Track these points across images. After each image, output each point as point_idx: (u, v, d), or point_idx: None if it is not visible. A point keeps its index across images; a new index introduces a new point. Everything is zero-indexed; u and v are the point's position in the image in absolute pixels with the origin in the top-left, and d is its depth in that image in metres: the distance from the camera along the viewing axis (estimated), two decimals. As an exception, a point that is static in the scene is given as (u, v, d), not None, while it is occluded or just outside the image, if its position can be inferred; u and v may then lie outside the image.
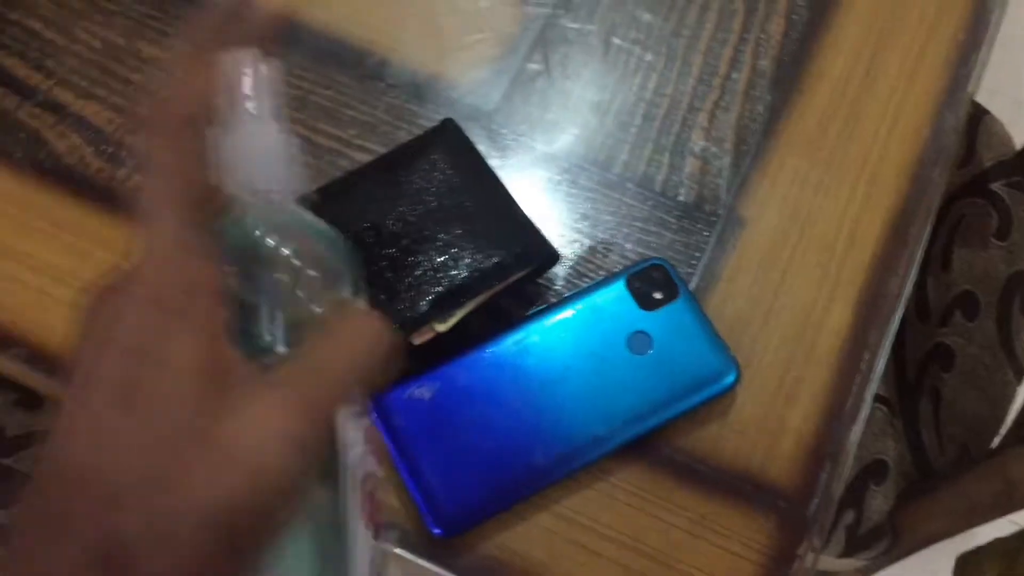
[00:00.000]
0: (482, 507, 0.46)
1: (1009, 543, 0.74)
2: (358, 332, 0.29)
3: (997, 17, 0.61)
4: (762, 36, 0.60)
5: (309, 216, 0.30)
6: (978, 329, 0.83)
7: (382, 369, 0.29)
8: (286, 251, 0.30)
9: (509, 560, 0.47)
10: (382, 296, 0.48)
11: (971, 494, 0.73)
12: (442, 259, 0.49)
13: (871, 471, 0.82)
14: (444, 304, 0.48)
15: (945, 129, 0.57)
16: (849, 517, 0.82)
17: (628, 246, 0.54)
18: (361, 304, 0.31)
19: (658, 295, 0.51)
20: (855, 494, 0.83)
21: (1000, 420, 0.82)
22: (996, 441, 0.80)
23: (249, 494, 0.26)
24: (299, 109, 0.56)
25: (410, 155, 0.52)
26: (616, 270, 0.53)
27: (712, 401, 0.50)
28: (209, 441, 0.26)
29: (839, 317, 0.52)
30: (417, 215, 0.50)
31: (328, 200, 0.51)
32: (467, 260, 0.49)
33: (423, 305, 0.48)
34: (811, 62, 0.59)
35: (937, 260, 0.85)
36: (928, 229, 0.55)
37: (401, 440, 0.47)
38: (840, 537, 0.82)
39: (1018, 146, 0.89)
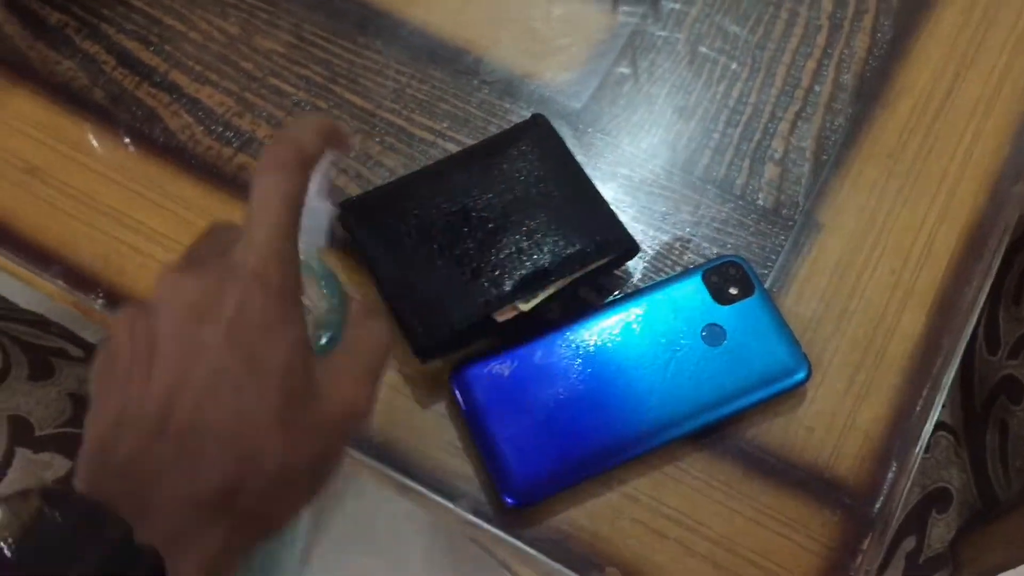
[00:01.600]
0: (552, 481, 0.48)
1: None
2: (372, 327, 0.39)
3: (1082, 42, 0.61)
4: (846, 51, 0.62)
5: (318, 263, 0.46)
6: (1049, 363, 0.83)
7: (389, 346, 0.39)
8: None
9: (575, 534, 0.48)
10: (469, 275, 0.51)
11: (1036, 524, 0.73)
12: (527, 243, 0.51)
13: (934, 498, 0.82)
14: (528, 285, 0.50)
15: (1026, 148, 0.58)
16: (910, 544, 0.82)
17: (705, 245, 0.56)
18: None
19: (734, 291, 0.53)
20: (917, 521, 0.82)
21: (1069, 456, 0.81)
22: (1064, 476, 0.79)
23: (343, 448, 0.37)
24: (396, 100, 0.59)
25: (501, 145, 0.55)
26: (692, 266, 0.55)
27: (782, 396, 0.51)
28: (314, 409, 0.34)
29: (911, 323, 0.53)
30: (505, 201, 0.53)
31: (422, 184, 0.54)
32: (551, 246, 0.51)
33: (508, 285, 0.50)
34: (894, 78, 0.61)
35: (1010, 293, 0.85)
36: (1004, 245, 0.56)
37: (478, 412, 0.49)
38: (899, 564, 0.81)
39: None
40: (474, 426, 0.49)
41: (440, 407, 0.51)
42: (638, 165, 0.58)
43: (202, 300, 0.33)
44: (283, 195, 0.35)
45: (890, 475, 0.50)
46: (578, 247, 0.52)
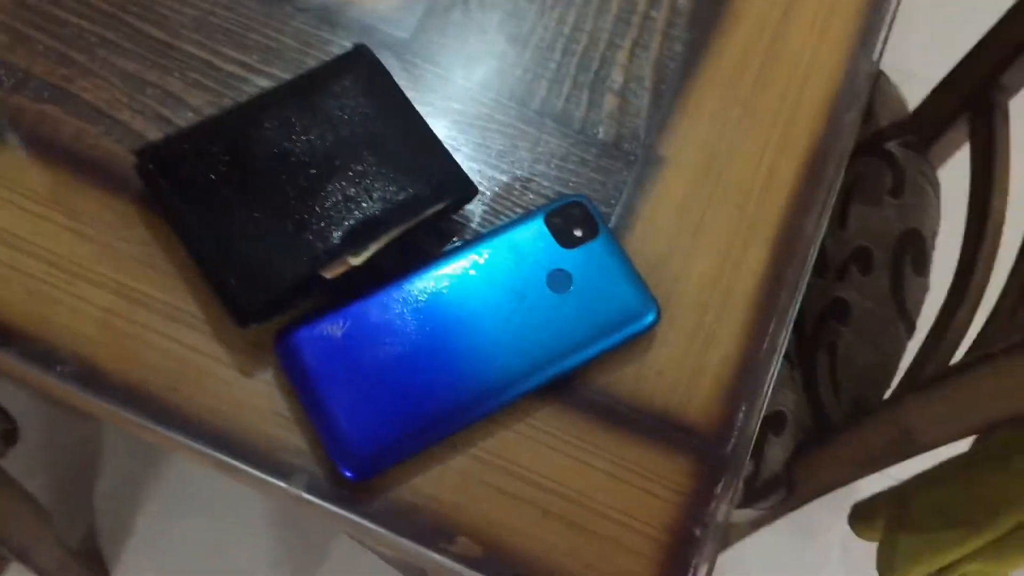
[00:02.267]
0: (395, 448, 0.44)
1: (902, 488, 0.76)
2: None
3: (909, -34, 0.61)
4: (681, -25, 0.59)
5: None
6: (872, 284, 0.85)
7: None
8: None
9: (423, 504, 0.45)
10: (291, 228, 0.45)
11: (867, 443, 0.75)
12: (355, 190, 0.47)
13: (770, 422, 0.83)
14: (358, 237, 0.46)
15: (859, 73, 0.57)
16: (748, 468, 0.84)
17: (546, 184, 0.53)
18: None
19: (578, 233, 0.50)
20: (754, 446, 0.84)
21: (891, 373, 0.84)
22: (888, 393, 0.82)
23: None
24: (198, 30, 0.53)
25: (320, 80, 0.49)
26: (534, 208, 0.52)
27: (632, 341, 0.49)
28: None
29: (756, 258, 0.52)
30: (328, 143, 0.48)
31: (233, 125, 0.47)
32: (382, 191, 0.47)
33: (336, 237, 0.45)
34: (730, 1, 0.59)
35: (835, 216, 0.87)
36: (841, 174, 0.55)
37: (309, 379, 0.44)
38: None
39: (911, 108, 0.92)
40: (305, 394, 0.44)
41: (267, 376, 0.46)
42: (471, 99, 0.54)
43: None
44: None
45: (740, 415, 0.49)
46: (412, 192, 0.47)
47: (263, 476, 0.44)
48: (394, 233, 0.46)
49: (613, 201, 0.53)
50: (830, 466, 0.80)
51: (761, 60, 0.57)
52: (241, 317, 0.44)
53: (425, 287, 0.47)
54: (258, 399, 0.45)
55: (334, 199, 0.46)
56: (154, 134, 0.50)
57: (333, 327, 0.45)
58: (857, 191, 0.88)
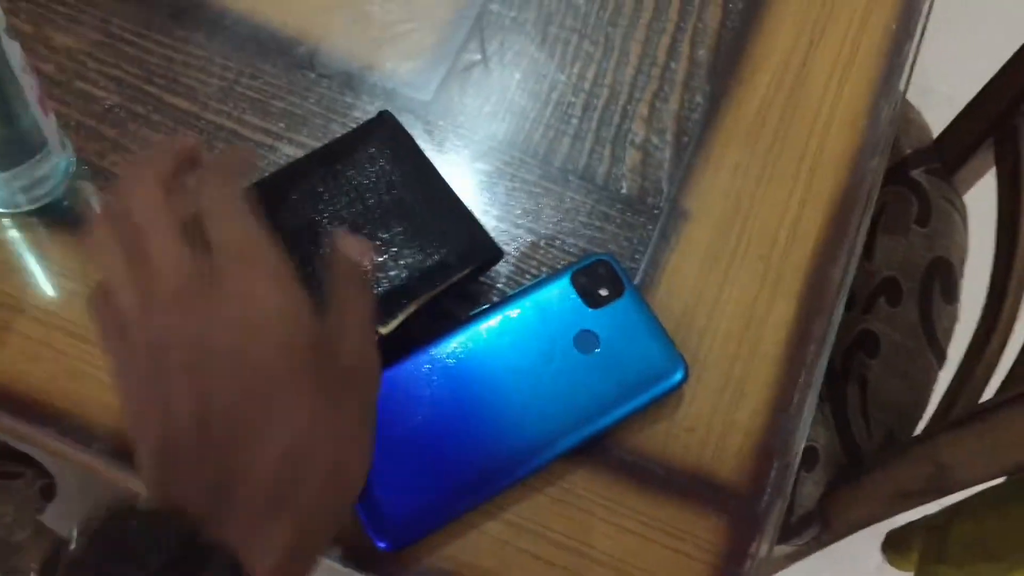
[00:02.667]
0: (429, 518, 0.44)
1: (935, 519, 0.75)
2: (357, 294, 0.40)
3: (928, 6, 0.61)
4: (699, 25, 0.59)
5: None
6: (901, 315, 0.85)
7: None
8: None
9: (458, 572, 0.45)
10: (319, 299, 0.46)
11: (901, 479, 0.74)
12: (382, 259, 0.47)
13: (802, 458, 0.83)
14: (385, 306, 0.46)
15: (881, 119, 0.57)
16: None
17: (571, 241, 0.53)
18: None
19: (604, 292, 0.50)
20: (786, 481, 0.83)
21: (923, 405, 0.83)
22: (920, 426, 0.81)
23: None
24: (223, 100, 0.53)
25: (346, 149, 0.50)
26: (560, 266, 0.52)
27: (661, 399, 0.49)
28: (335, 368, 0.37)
29: (783, 310, 0.52)
30: (355, 212, 0.48)
31: (262, 196, 0.48)
32: (408, 259, 0.47)
33: None
34: (748, 52, 0.59)
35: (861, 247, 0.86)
36: (867, 222, 0.55)
37: (343, 449, 0.45)
38: (772, 524, 0.82)
39: (935, 135, 0.91)
40: (339, 466, 0.45)
41: (299, 446, 0.46)
42: (495, 159, 0.54)
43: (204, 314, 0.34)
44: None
45: (772, 471, 0.49)
46: (438, 258, 0.48)
47: (299, 547, 0.45)
48: (421, 300, 0.47)
49: (638, 256, 0.53)
50: (864, 502, 0.79)
51: (782, 109, 0.57)
52: None
53: (454, 353, 0.47)
54: (292, 470, 0.46)
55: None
56: (184, 206, 0.51)
57: (364, 398, 0.46)
58: (883, 221, 0.88)
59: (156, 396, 0.34)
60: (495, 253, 0.49)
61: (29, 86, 0.44)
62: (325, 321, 0.37)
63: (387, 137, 0.50)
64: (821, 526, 0.83)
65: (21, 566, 0.81)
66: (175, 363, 0.34)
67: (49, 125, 0.47)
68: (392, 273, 0.47)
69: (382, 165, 0.49)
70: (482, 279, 0.51)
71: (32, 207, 0.50)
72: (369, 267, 0.40)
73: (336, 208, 0.48)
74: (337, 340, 0.37)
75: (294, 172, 0.49)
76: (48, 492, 0.79)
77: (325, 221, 0.48)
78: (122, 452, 0.46)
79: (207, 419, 0.33)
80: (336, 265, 0.39)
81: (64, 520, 0.89)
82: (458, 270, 0.48)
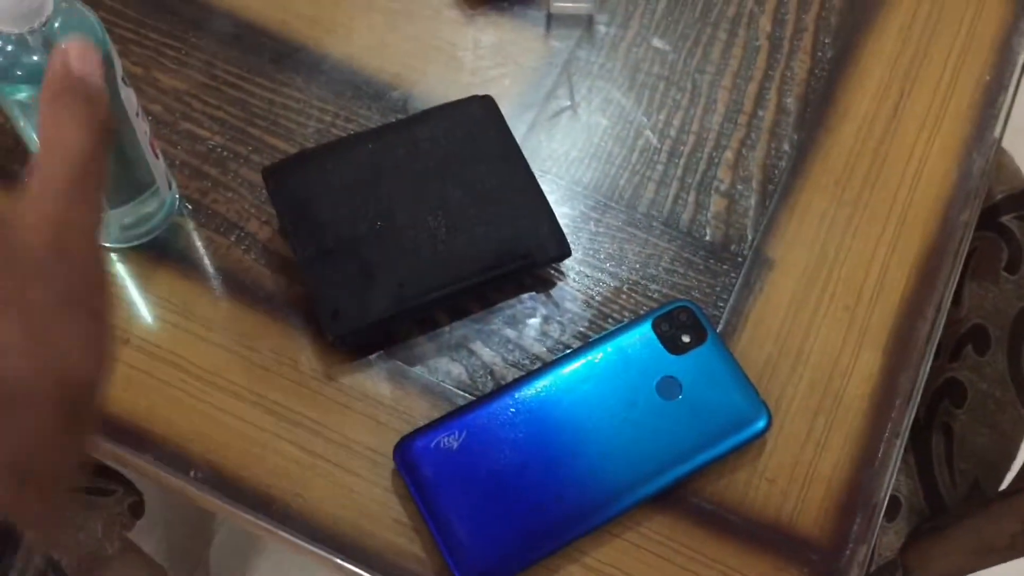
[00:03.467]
0: (512, 560, 0.45)
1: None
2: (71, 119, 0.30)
3: (1023, 59, 0.60)
4: (787, 73, 0.59)
5: None
6: (989, 364, 0.83)
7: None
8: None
9: (537, 612, 0.46)
10: (392, 252, 0.50)
11: (985, 534, 0.72)
12: (457, 227, 0.50)
13: (883, 507, 0.81)
14: (449, 276, 0.50)
15: (973, 172, 0.57)
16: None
17: (654, 287, 0.53)
18: None
19: (686, 338, 0.50)
20: (866, 530, 0.82)
21: (1012, 456, 0.81)
22: (1008, 477, 0.79)
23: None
24: (320, 141, 0.55)
25: (441, 117, 0.53)
26: (642, 311, 0.52)
27: (742, 448, 0.49)
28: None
29: (868, 362, 0.52)
30: (431, 175, 0.51)
31: (352, 152, 0.52)
32: (478, 234, 0.50)
33: (428, 270, 0.50)
34: (837, 101, 0.59)
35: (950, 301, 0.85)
36: (956, 276, 0.55)
37: (427, 490, 0.46)
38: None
39: (1029, 177, 0.89)
40: (423, 503, 0.46)
41: (386, 483, 0.48)
42: (580, 203, 0.55)
43: None
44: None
45: (855, 526, 0.48)
46: (508, 240, 0.51)
47: (382, 582, 0.46)
48: (484, 277, 0.50)
49: (721, 303, 0.53)
50: (947, 555, 0.78)
51: (871, 159, 0.57)
52: (333, 338, 0.48)
53: (537, 395, 0.48)
54: (377, 507, 0.47)
55: (431, 232, 0.50)
56: (279, 245, 0.53)
57: (449, 439, 0.47)
58: (971, 267, 0.86)
59: None
60: (563, 248, 0.51)
61: (142, 131, 0.47)
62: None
63: (483, 116, 0.53)
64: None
65: (108, 580, 0.84)
66: None
67: (158, 166, 0.49)
68: (460, 243, 0.50)
69: (472, 139, 0.52)
70: (562, 321, 0.52)
71: (138, 242, 0.52)
72: (92, 78, 0.31)
73: (412, 168, 0.51)
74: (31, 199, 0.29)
75: (380, 131, 0.52)
76: (137, 509, 0.82)
77: (399, 178, 0.51)
78: (217, 481, 0.47)
79: None
80: (47, 81, 0.31)
81: (150, 537, 0.92)
82: (524, 258, 0.50)
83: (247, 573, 1.21)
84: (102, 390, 0.29)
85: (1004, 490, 0.74)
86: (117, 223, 0.51)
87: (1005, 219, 0.88)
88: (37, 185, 0.29)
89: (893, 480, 0.50)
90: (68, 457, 0.29)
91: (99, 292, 0.30)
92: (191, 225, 0.53)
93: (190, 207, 0.54)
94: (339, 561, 0.46)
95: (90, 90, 0.30)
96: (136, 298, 0.51)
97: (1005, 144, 0.88)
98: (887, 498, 0.49)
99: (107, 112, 0.31)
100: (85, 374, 0.28)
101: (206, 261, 0.52)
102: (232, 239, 0.53)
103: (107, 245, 0.52)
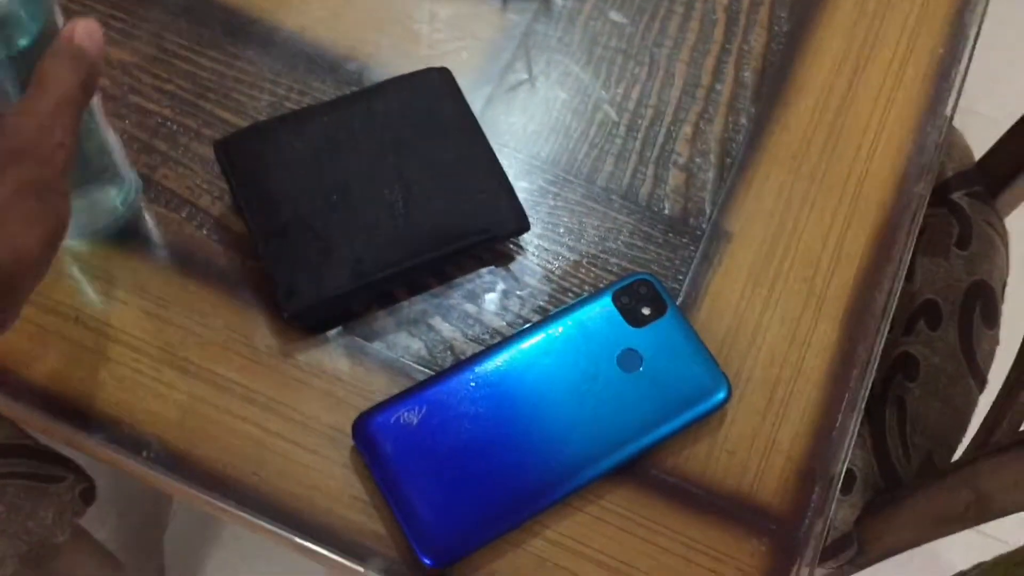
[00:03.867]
0: (474, 536, 0.45)
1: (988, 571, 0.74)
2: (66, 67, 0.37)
3: (976, 32, 0.61)
4: (744, 47, 0.59)
5: None
6: (940, 338, 0.84)
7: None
8: None
9: (499, 587, 0.45)
10: (348, 227, 0.49)
11: (940, 505, 0.74)
12: (412, 199, 0.50)
13: (838, 480, 0.82)
14: (405, 251, 0.49)
15: (928, 144, 0.57)
16: (816, 526, 0.82)
17: (613, 260, 0.53)
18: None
19: (646, 311, 0.50)
20: (822, 503, 0.83)
21: (963, 429, 0.83)
22: (960, 451, 0.80)
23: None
24: (272, 115, 0.54)
25: (395, 88, 0.52)
26: (602, 285, 0.52)
27: (703, 420, 0.49)
28: None
29: (826, 333, 0.52)
30: (386, 148, 0.50)
31: (302, 122, 0.51)
32: (436, 208, 0.50)
33: (385, 247, 0.49)
34: (794, 74, 0.59)
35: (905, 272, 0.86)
36: (911, 247, 0.55)
37: (387, 467, 0.45)
38: (807, 546, 0.82)
39: (977, 156, 0.91)
40: (383, 481, 0.45)
41: (344, 460, 0.47)
42: (538, 177, 0.55)
43: None
44: None
45: (814, 496, 0.48)
46: (466, 214, 0.50)
47: (341, 560, 0.45)
48: (443, 251, 0.49)
49: (680, 276, 0.53)
50: (901, 527, 0.79)
51: (827, 132, 0.57)
52: (289, 315, 0.48)
53: (497, 369, 0.48)
54: (336, 484, 0.46)
55: (388, 206, 0.49)
56: (232, 221, 0.52)
57: (409, 414, 0.46)
58: (923, 243, 0.87)
59: None
60: (522, 223, 0.51)
61: (99, 109, 0.45)
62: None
63: (440, 88, 0.52)
64: (857, 549, 0.82)
65: (60, 568, 0.82)
66: None
67: (117, 148, 0.48)
68: (418, 218, 0.49)
69: (429, 112, 0.51)
70: (521, 295, 0.51)
71: (104, 233, 0.50)
72: (90, 50, 0.38)
73: (368, 141, 0.50)
74: (17, 113, 0.36)
75: (336, 103, 0.51)
76: (88, 496, 0.80)
77: (356, 151, 0.50)
78: (171, 461, 0.46)
79: None
80: (54, 43, 0.38)
81: (102, 527, 0.90)
82: (482, 233, 0.50)
83: (203, 561, 1.19)
84: (39, 277, 0.36)
85: (956, 461, 0.75)
86: (82, 212, 0.49)
87: (955, 196, 0.89)
88: (26, 101, 0.36)
89: (851, 451, 0.50)
90: None
91: (58, 193, 0.36)
92: (142, 201, 0.52)
93: (140, 183, 0.52)
94: (297, 539, 0.45)
95: (88, 58, 0.37)
96: (86, 276, 0.50)
97: (955, 123, 0.89)
98: (844, 468, 0.49)
99: (96, 81, 0.38)
100: (27, 254, 0.34)
101: (157, 238, 0.51)
102: (184, 215, 0.52)
103: (72, 241, 0.50)
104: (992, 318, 0.85)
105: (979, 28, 0.61)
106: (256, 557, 1.19)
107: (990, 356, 0.84)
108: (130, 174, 0.50)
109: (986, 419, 0.76)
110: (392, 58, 0.57)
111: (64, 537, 0.80)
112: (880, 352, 0.52)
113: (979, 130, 0.90)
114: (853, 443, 0.50)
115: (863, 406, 0.51)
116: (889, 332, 0.86)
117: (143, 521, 1.22)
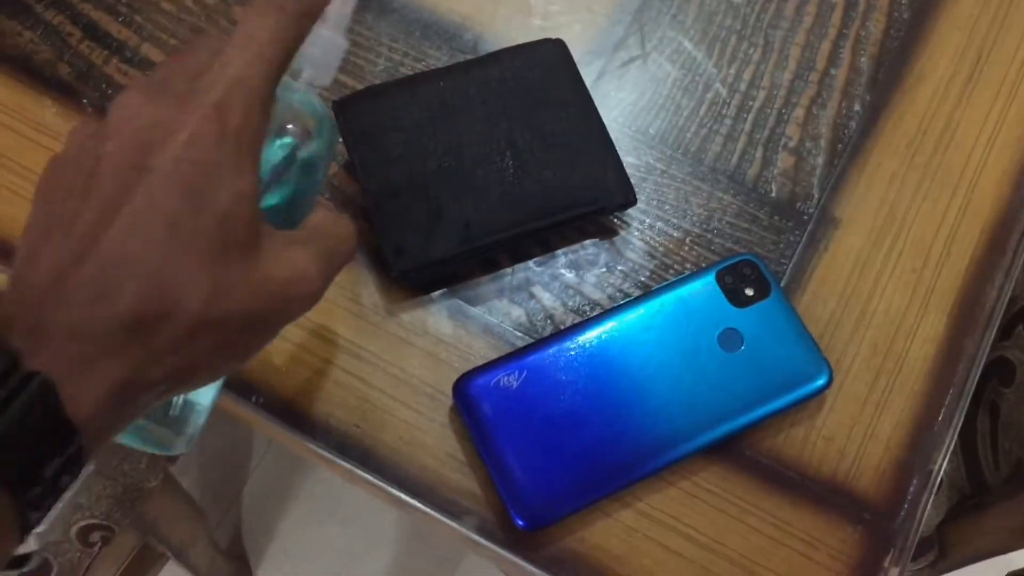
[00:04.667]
0: (566, 501, 0.45)
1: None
2: (338, 222, 0.36)
3: (1106, 27, 0.59)
4: (862, 33, 0.58)
5: (319, 102, 0.39)
6: (1040, 344, 0.82)
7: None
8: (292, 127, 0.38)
9: (588, 553, 0.46)
10: (457, 191, 0.50)
11: (1029, 513, 0.72)
12: (523, 167, 0.50)
13: (924, 482, 0.81)
14: (514, 218, 0.50)
15: (1049, 140, 0.56)
16: (897, 527, 0.81)
17: (717, 240, 0.53)
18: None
19: (749, 292, 0.50)
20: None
21: (1057, 439, 0.80)
22: (1053, 460, 0.78)
23: (280, 318, 0.34)
24: (390, 79, 0.55)
25: (510, 58, 0.53)
26: (704, 264, 0.52)
27: (801, 404, 0.48)
28: (253, 266, 0.32)
29: (933, 325, 0.51)
30: (498, 116, 0.51)
31: (423, 90, 0.51)
32: (544, 177, 0.50)
33: (495, 212, 0.50)
34: (912, 62, 0.58)
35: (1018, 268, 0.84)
36: (1025, 242, 0.54)
37: (485, 428, 0.46)
38: (887, 546, 0.81)
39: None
40: (481, 441, 0.46)
41: (442, 417, 0.48)
42: (646, 153, 0.55)
43: (153, 127, 0.31)
44: (274, 35, 0.32)
45: (912, 488, 0.48)
46: (574, 185, 0.50)
47: (436, 515, 0.46)
48: (548, 221, 0.50)
49: (784, 260, 0.53)
50: (986, 533, 0.77)
51: (944, 123, 0.56)
52: (396, 274, 0.49)
53: (597, 340, 0.48)
54: (434, 441, 0.47)
55: (499, 173, 0.50)
56: (345, 180, 0.53)
57: (509, 378, 0.47)
58: (1027, 246, 0.85)
59: (63, 200, 0.31)
60: (629, 197, 0.51)
61: None
62: (285, 232, 0.34)
63: (554, 60, 0.53)
64: (938, 553, 0.81)
65: (149, 511, 0.85)
66: (101, 176, 0.30)
67: None
68: (528, 186, 0.49)
69: (542, 82, 0.52)
70: (623, 269, 0.52)
71: None
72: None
73: (482, 108, 0.51)
74: (280, 250, 0.33)
75: (451, 69, 0.52)
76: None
77: (469, 117, 0.50)
78: (278, 407, 0.48)
79: (94, 239, 0.30)
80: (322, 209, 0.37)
81: (184, 478, 0.93)
82: (590, 204, 0.50)
83: (279, 517, 1.23)
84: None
85: (1051, 469, 0.73)
86: None
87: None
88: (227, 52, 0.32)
89: (952, 445, 0.49)
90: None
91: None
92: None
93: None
94: (394, 491, 0.46)
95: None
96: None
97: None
98: (944, 464, 0.49)
99: (297, 30, 0.33)
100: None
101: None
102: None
103: None
104: (1095, 327, 0.82)
105: (1110, 23, 0.59)
106: (329, 518, 1.22)
107: (1091, 366, 0.81)
108: None
109: (1084, 429, 0.74)
110: (507, 29, 0.57)
111: (156, 483, 0.83)
112: (988, 348, 0.51)
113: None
114: (956, 436, 0.49)
115: (967, 403, 0.50)
116: (986, 335, 0.84)
117: (223, 476, 1.26)
